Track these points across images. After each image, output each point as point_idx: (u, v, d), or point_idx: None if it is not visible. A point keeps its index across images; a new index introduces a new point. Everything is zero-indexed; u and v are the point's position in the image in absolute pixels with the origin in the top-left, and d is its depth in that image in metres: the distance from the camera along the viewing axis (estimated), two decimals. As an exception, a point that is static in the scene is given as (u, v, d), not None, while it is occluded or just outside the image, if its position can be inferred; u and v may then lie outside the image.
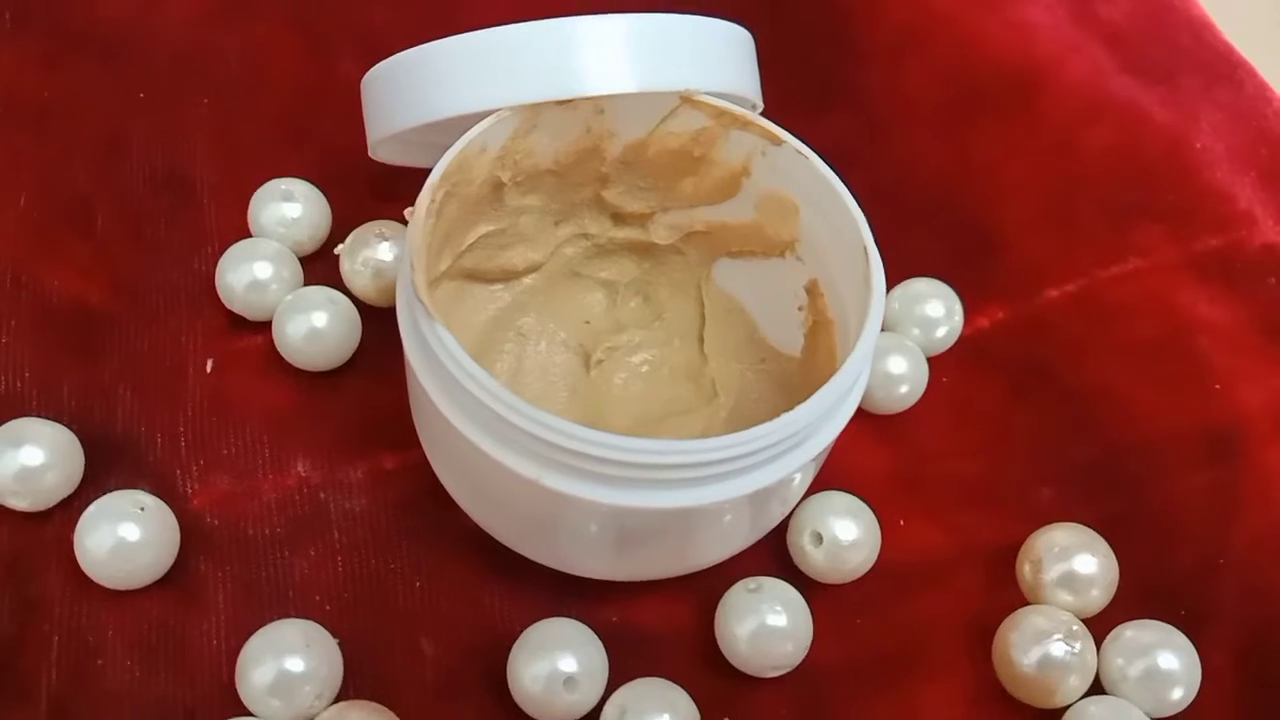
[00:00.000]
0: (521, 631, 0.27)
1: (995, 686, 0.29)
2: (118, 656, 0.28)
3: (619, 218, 0.32)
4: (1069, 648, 0.28)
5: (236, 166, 0.36)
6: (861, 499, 0.30)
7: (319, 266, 0.34)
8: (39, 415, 0.30)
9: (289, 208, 0.33)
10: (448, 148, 0.27)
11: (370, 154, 0.32)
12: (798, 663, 0.28)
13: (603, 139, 0.29)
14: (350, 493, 0.31)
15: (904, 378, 0.32)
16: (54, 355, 0.32)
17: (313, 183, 0.34)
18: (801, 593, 0.29)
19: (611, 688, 0.27)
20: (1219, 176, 0.38)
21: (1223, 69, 0.41)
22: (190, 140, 0.36)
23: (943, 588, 0.31)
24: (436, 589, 0.29)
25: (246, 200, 0.34)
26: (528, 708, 0.27)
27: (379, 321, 0.33)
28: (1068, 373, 0.34)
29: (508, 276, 0.32)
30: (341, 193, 0.35)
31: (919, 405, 0.33)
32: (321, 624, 0.27)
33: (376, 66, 0.29)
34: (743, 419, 0.31)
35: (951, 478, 0.32)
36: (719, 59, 0.29)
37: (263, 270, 0.32)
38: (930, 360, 0.33)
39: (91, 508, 0.28)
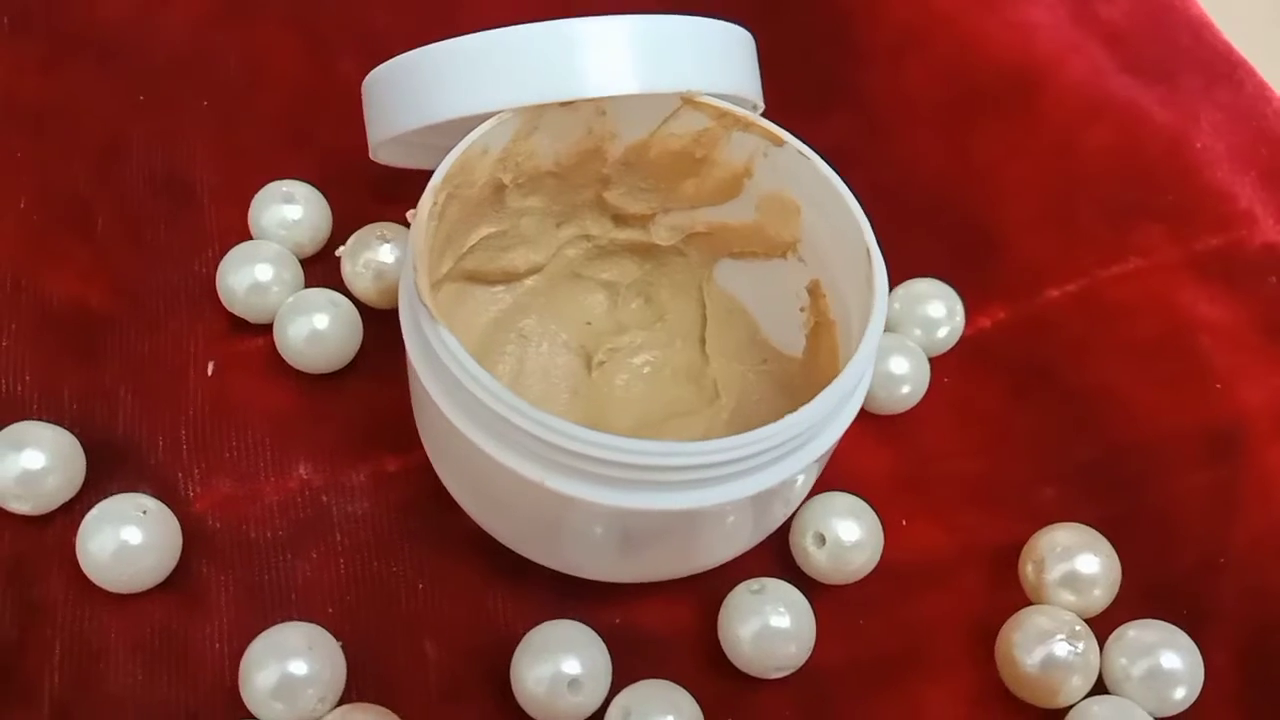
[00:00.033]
0: (524, 634, 0.27)
1: (998, 687, 0.29)
2: (120, 660, 0.28)
3: (620, 219, 0.32)
4: (1072, 648, 0.28)
5: (237, 168, 0.36)
6: (864, 500, 0.30)
7: (320, 268, 0.34)
8: (40, 419, 0.30)
9: (290, 210, 0.33)
10: (449, 149, 0.27)
11: (371, 156, 0.32)
12: (801, 664, 0.28)
13: (604, 140, 0.29)
14: (352, 495, 0.31)
15: (906, 378, 0.32)
16: (55, 358, 0.32)
17: (313, 184, 0.34)
18: (804, 594, 0.29)
19: (615, 690, 0.27)
20: (1219, 176, 0.38)
21: (1222, 68, 0.41)
22: (190, 142, 0.36)
23: (945, 588, 0.31)
24: (439, 591, 0.29)
25: (247, 202, 0.34)
26: (531, 710, 0.27)
27: (380, 323, 0.33)
28: (1069, 372, 0.34)
29: (509, 278, 0.32)
30: (342, 194, 0.35)
31: (920, 406, 0.33)
32: (324, 627, 0.27)
33: (378, 68, 0.29)
34: (744, 420, 0.31)
35: (953, 478, 0.32)
36: (720, 60, 0.29)
37: (264, 272, 0.32)
38: (932, 360, 0.33)
39: (94, 511, 0.28)
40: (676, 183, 0.31)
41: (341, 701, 0.27)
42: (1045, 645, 0.28)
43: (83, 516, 0.28)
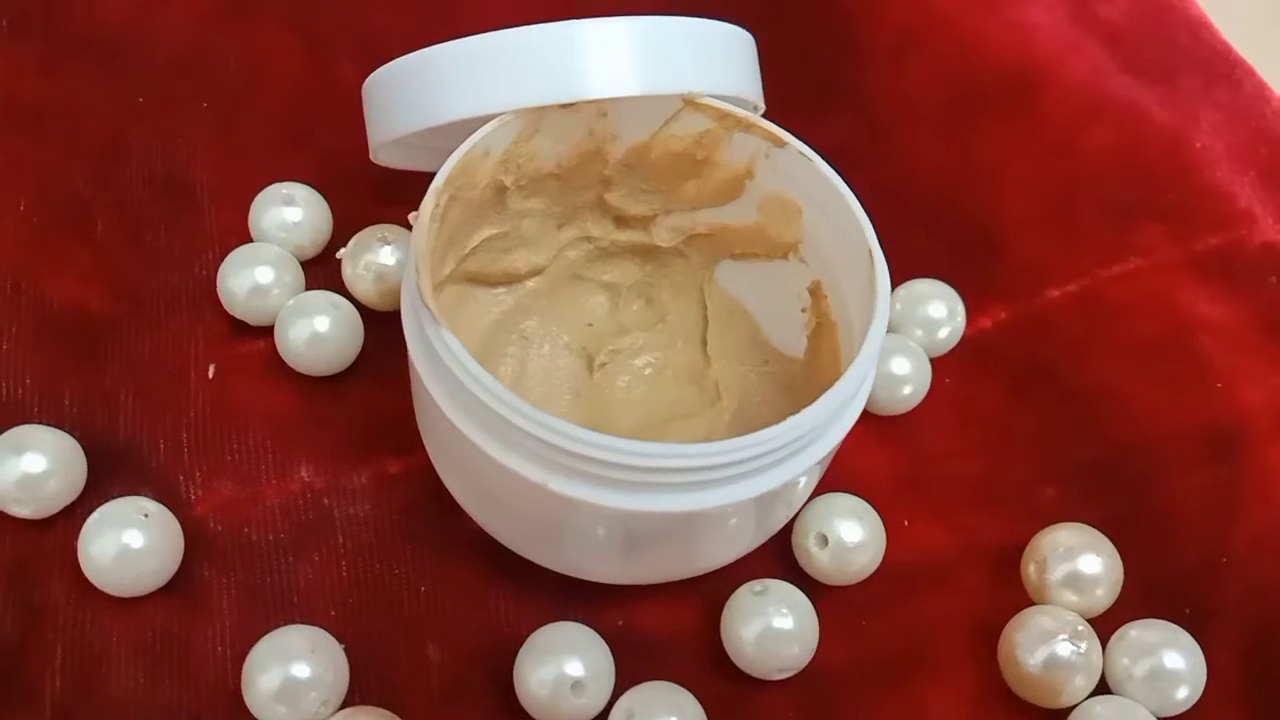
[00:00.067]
0: (527, 636, 0.27)
1: (1001, 687, 0.29)
2: (122, 664, 0.28)
3: (621, 220, 0.32)
4: (1075, 648, 0.28)
5: (237, 170, 0.36)
6: (866, 500, 0.30)
7: (320, 271, 0.34)
8: (41, 422, 0.30)
9: (290, 212, 0.33)
10: (449, 151, 0.27)
11: (372, 158, 0.32)
12: (804, 665, 0.28)
13: (605, 142, 0.29)
14: (354, 498, 0.31)
15: (907, 379, 0.32)
16: (55, 361, 0.32)
17: (313, 186, 0.34)
18: (807, 595, 0.29)
19: (618, 691, 0.27)
20: (1219, 176, 0.38)
21: (1221, 68, 0.41)
22: (190, 144, 0.36)
23: (947, 588, 0.31)
24: (442, 594, 0.29)
25: (247, 204, 0.34)
26: (535, 712, 0.27)
27: (381, 325, 0.33)
28: (1069, 372, 0.34)
29: (510, 280, 0.32)
30: (342, 196, 0.35)
31: (922, 406, 0.33)
32: (327, 629, 0.27)
33: (379, 70, 0.29)
34: (746, 421, 0.31)
35: (955, 478, 0.32)
36: (722, 61, 0.29)
37: (264, 275, 0.32)
38: (933, 361, 0.33)
39: (95, 514, 0.28)
40: (678, 184, 0.31)
41: (344, 704, 0.27)
42: (1048, 645, 0.28)
43: (84, 520, 0.28)
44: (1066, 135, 0.39)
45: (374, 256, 0.32)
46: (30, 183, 0.35)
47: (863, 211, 0.27)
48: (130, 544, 0.28)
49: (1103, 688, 0.29)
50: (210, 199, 0.35)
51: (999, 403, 0.34)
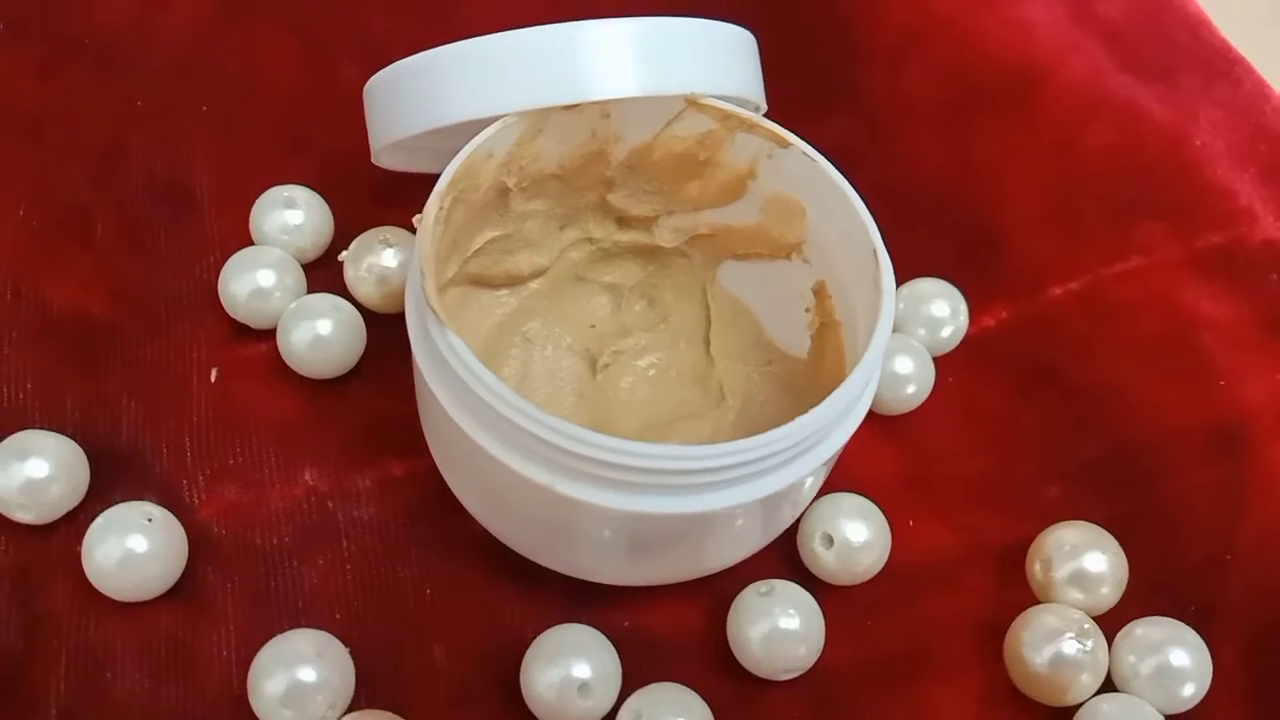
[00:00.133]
0: (533, 638, 0.27)
1: (1007, 685, 0.29)
2: (127, 669, 0.28)
3: (624, 221, 0.32)
4: (1081, 646, 0.28)
5: (237, 173, 0.36)
6: (871, 500, 0.30)
7: (322, 273, 0.34)
8: (42, 427, 0.30)
9: (291, 214, 0.33)
10: (451, 153, 0.27)
11: (373, 160, 0.32)
12: (810, 665, 0.28)
13: (608, 143, 0.29)
14: (358, 501, 0.30)
15: (910, 378, 0.32)
16: (56, 367, 0.32)
17: (314, 189, 0.34)
18: (813, 595, 0.29)
19: (625, 693, 0.27)
20: (1219, 173, 0.39)
21: (1220, 66, 0.41)
22: (190, 147, 0.36)
23: (953, 588, 0.31)
24: (447, 596, 0.29)
25: (247, 207, 0.34)
26: (542, 715, 0.27)
27: (384, 328, 0.33)
28: (1073, 371, 0.34)
29: (513, 281, 0.32)
30: (343, 198, 0.35)
31: (925, 405, 0.33)
32: (332, 633, 0.27)
33: (381, 72, 0.29)
34: (750, 421, 0.31)
35: (959, 477, 0.32)
36: (724, 61, 0.29)
37: (266, 278, 0.32)
38: (936, 360, 0.33)
39: (99, 520, 0.28)
40: (680, 185, 0.31)
41: (351, 708, 0.27)
42: (1054, 643, 0.28)
43: (87, 525, 0.28)
44: (1067, 134, 0.39)
45: (376, 259, 0.32)
46: (30, 187, 0.35)
47: (867, 212, 0.27)
48: (134, 549, 0.27)
49: (1108, 686, 0.29)
50: (211, 202, 0.35)
51: (1002, 401, 0.34)
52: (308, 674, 0.26)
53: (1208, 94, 0.40)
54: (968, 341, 0.34)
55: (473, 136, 0.27)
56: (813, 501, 0.30)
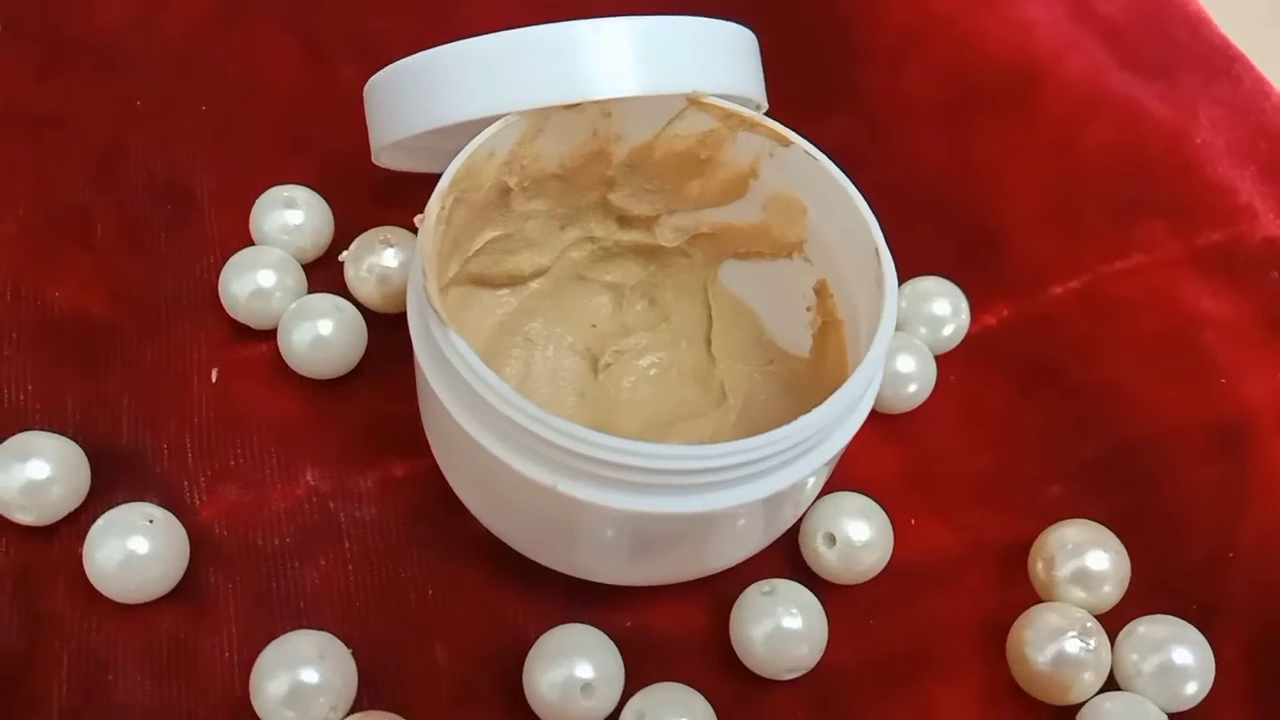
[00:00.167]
0: (536, 638, 0.27)
1: (1009, 684, 0.29)
2: (129, 671, 0.28)
3: (625, 221, 0.32)
4: (1084, 644, 0.28)
5: (237, 173, 0.36)
6: (873, 499, 0.30)
7: (322, 274, 0.34)
8: (43, 429, 0.30)
9: (291, 214, 0.33)
10: (451, 153, 0.27)
11: (374, 160, 0.32)
12: (813, 664, 0.28)
13: (609, 142, 0.29)
14: (360, 501, 0.30)
15: (912, 376, 0.32)
16: (56, 368, 0.32)
17: (314, 189, 0.34)
18: (815, 594, 0.28)
19: (628, 693, 0.27)
20: (1219, 171, 0.39)
21: (1220, 63, 0.41)
22: (189, 148, 0.36)
23: (955, 586, 0.31)
24: (449, 596, 0.29)
25: (247, 207, 0.34)
26: (544, 715, 0.27)
27: (385, 328, 0.33)
28: (1074, 369, 0.34)
29: (514, 281, 0.32)
30: (343, 199, 0.35)
31: (927, 404, 0.33)
32: (334, 634, 0.27)
33: (381, 72, 0.29)
34: (752, 421, 0.31)
35: (961, 476, 0.32)
36: (725, 60, 0.29)
37: (266, 278, 0.32)
38: (937, 359, 0.33)
39: (100, 521, 0.28)
40: (681, 184, 0.30)
41: (353, 709, 0.27)
42: (1057, 642, 0.28)
43: (88, 526, 0.28)
44: (1067, 132, 0.39)
45: (376, 259, 0.32)
46: (29, 188, 0.35)
47: (869, 210, 0.27)
48: (135, 550, 0.27)
49: (1111, 684, 0.29)
50: (211, 202, 0.35)
51: (1004, 400, 0.34)
52: (310, 675, 0.26)
53: (1208, 92, 0.40)
54: (969, 340, 0.34)
55: (473, 136, 0.27)
56: (815, 501, 0.30)
